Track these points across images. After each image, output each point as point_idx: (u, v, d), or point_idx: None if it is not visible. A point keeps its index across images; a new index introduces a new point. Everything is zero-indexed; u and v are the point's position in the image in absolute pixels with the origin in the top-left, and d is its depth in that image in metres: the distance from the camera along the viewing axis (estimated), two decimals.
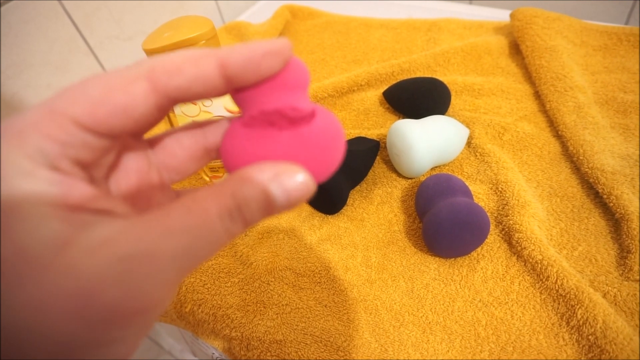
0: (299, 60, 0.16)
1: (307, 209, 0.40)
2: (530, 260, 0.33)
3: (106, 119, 0.13)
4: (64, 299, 0.11)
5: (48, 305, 0.11)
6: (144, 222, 0.13)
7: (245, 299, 0.35)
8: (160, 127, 0.45)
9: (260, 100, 0.15)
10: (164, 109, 0.15)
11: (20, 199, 0.12)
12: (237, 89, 0.15)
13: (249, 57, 0.14)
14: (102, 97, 0.13)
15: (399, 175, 0.42)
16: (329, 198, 0.38)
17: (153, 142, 0.18)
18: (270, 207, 0.14)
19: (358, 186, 0.42)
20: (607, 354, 0.27)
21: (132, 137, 0.17)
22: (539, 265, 0.32)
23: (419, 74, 0.52)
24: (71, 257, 0.12)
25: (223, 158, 0.16)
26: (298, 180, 0.15)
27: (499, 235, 0.36)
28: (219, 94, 0.15)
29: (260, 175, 0.14)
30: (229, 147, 0.16)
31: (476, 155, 0.43)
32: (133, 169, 0.17)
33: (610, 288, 0.31)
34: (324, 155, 0.16)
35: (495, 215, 0.37)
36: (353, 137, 0.43)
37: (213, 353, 0.43)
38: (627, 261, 0.32)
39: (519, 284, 0.33)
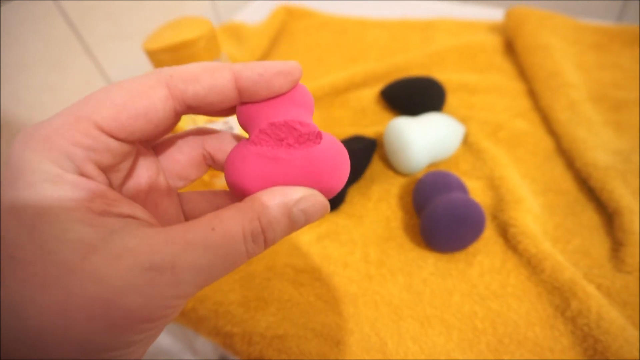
0: (304, 87, 0.17)
1: None
2: (526, 254, 0.33)
3: (128, 124, 0.14)
4: (88, 303, 0.12)
5: (71, 309, 0.12)
6: (168, 233, 0.14)
7: (247, 296, 0.35)
8: None
9: (269, 114, 0.16)
10: (180, 115, 0.15)
11: (48, 204, 0.13)
12: (246, 105, 0.16)
13: (261, 73, 0.15)
14: (125, 103, 0.14)
15: (396, 172, 0.43)
16: None
17: (157, 149, 0.19)
18: (291, 229, 0.15)
19: (356, 184, 0.42)
20: (601, 343, 0.28)
21: (145, 143, 0.18)
22: (534, 259, 0.33)
23: (414, 73, 0.53)
24: (96, 263, 0.12)
25: (230, 175, 0.16)
26: (317, 204, 0.16)
27: (494, 230, 0.36)
28: (232, 104, 0.16)
29: (284, 199, 0.15)
30: (237, 166, 0.16)
31: (472, 152, 0.43)
32: (144, 176, 0.17)
33: (603, 280, 0.32)
34: (333, 174, 0.17)
35: (491, 210, 0.38)
36: (350, 135, 0.44)
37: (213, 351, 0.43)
38: (619, 254, 0.33)
39: (515, 277, 0.33)
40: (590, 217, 0.37)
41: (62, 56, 0.52)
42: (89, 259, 0.12)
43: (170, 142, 0.19)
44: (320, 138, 0.16)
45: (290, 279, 0.36)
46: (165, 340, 0.51)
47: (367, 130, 0.47)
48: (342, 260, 0.36)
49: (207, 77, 0.15)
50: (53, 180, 0.13)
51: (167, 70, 0.15)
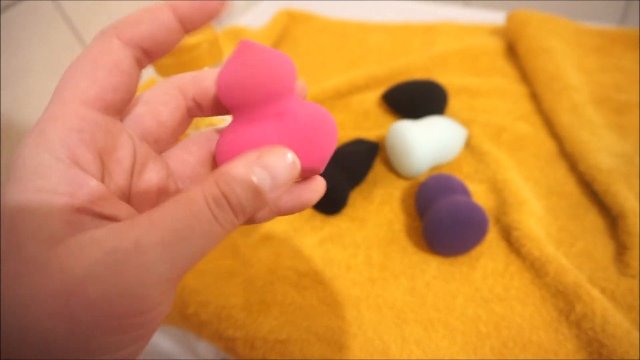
0: (281, 60, 0.16)
1: (309, 210, 0.41)
2: (529, 257, 0.33)
3: (108, 81, 0.14)
4: (50, 297, 0.11)
5: (35, 304, 0.11)
6: (133, 220, 0.13)
7: (249, 299, 0.35)
8: None
9: (249, 104, 0.16)
10: (140, 62, 0.16)
11: (29, 199, 0.12)
12: (223, 94, 0.16)
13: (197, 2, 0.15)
14: (94, 66, 0.14)
15: (399, 175, 0.43)
16: (330, 199, 0.39)
17: (167, 156, 0.19)
18: (256, 191, 0.14)
19: (358, 187, 0.42)
20: (606, 347, 0.28)
21: (153, 145, 0.18)
22: (538, 262, 0.33)
23: (416, 76, 0.53)
24: (61, 255, 0.12)
25: (217, 157, 0.17)
26: (281, 158, 0.14)
27: (498, 233, 0.36)
28: (179, 37, 0.16)
29: (243, 160, 0.14)
30: (219, 145, 0.17)
31: (474, 155, 0.43)
32: (154, 180, 0.17)
33: (608, 284, 0.32)
34: (314, 138, 0.16)
35: (494, 213, 0.38)
36: (352, 138, 0.44)
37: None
38: (624, 257, 0.33)
39: (519, 281, 0.33)
40: (593, 219, 0.36)
41: (64, 62, 0.52)
42: (54, 252, 0.12)
43: (178, 146, 0.19)
44: (300, 106, 0.16)
45: (292, 283, 0.36)
46: (165, 343, 0.51)
47: (369, 134, 0.47)
48: (344, 263, 0.36)
49: (148, 16, 0.15)
50: (40, 172, 0.13)
51: (110, 25, 0.15)
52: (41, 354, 0.11)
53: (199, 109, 0.18)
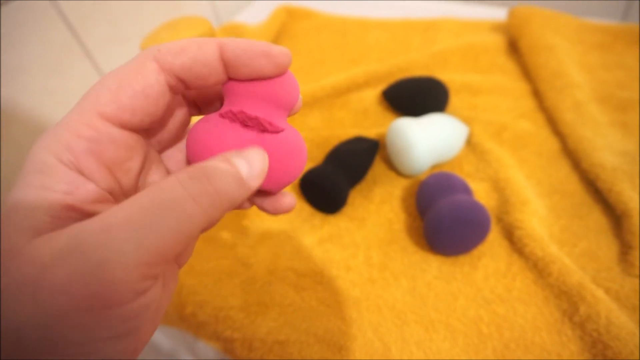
0: (293, 79, 0.17)
1: (308, 209, 0.40)
2: (532, 257, 0.33)
3: (128, 102, 0.14)
4: (21, 286, 0.11)
5: (8, 293, 0.11)
6: (108, 210, 0.13)
7: (247, 300, 0.34)
8: None
9: (247, 103, 0.16)
10: (175, 90, 0.15)
11: (25, 193, 0.13)
12: (231, 82, 0.16)
13: (245, 49, 0.15)
14: (121, 84, 0.14)
15: (399, 174, 0.42)
16: (329, 198, 0.38)
17: (162, 156, 0.19)
18: (234, 168, 0.14)
19: (358, 185, 0.41)
20: (611, 349, 0.27)
21: (150, 143, 0.18)
22: (541, 262, 0.32)
23: (417, 73, 0.52)
24: (36, 244, 0.12)
25: (189, 137, 0.17)
26: (257, 151, 0.15)
27: (500, 233, 0.36)
28: (220, 78, 0.16)
29: (221, 156, 0.15)
30: (196, 127, 0.17)
31: (476, 154, 0.43)
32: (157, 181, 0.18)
33: (612, 284, 0.31)
34: (284, 163, 0.17)
35: (496, 212, 0.37)
36: (352, 136, 0.43)
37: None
38: (628, 257, 0.32)
39: (521, 281, 0.33)
40: (597, 219, 0.36)
41: (62, 59, 0.51)
42: (31, 243, 0.12)
43: (174, 146, 0.19)
44: (283, 130, 0.17)
45: (291, 283, 0.35)
46: (164, 342, 0.50)
47: (369, 132, 0.46)
48: (344, 263, 0.36)
49: (194, 48, 0.15)
50: (43, 170, 0.13)
51: (155, 47, 0.15)
52: (14, 345, 0.11)
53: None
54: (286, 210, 0.19)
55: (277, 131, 0.17)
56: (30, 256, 0.12)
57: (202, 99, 0.19)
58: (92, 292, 0.11)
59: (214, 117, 0.17)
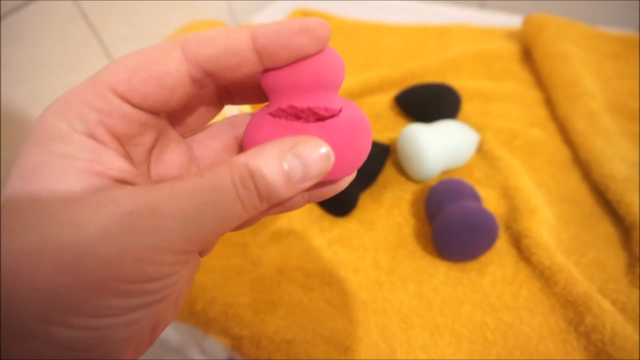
0: (335, 52, 0.15)
1: (318, 210, 0.41)
2: (539, 265, 0.33)
3: (140, 87, 0.13)
4: (59, 250, 0.11)
5: (43, 255, 0.11)
6: (154, 185, 0.13)
7: (256, 298, 0.35)
8: None
9: (294, 94, 0.15)
10: (199, 82, 0.14)
11: (50, 159, 0.13)
12: (270, 74, 0.15)
13: (279, 31, 0.14)
14: (138, 66, 0.13)
15: (409, 179, 0.42)
16: (339, 200, 0.39)
17: (191, 140, 0.18)
18: (286, 178, 0.14)
19: (368, 189, 0.42)
20: None
21: (179, 130, 0.17)
22: (548, 271, 0.32)
23: (429, 79, 0.53)
24: (76, 210, 0.12)
25: (244, 141, 0.16)
26: (316, 149, 0.14)
27: (508, 241, 0.36)
28: (252, 69, 0.14)
29: (277, 145, 0.14)
30: (252, 132, 0.16)
31: (486, 161, 0.43)
32: (176, 162, 0.17)
33: (619, 295, 0.31)
34: (351, 146, 0.15)
35: (505, 220, 0.37)
36: None
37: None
38: (636, 269, 0.32)
39: (528, 289, 0.33)
40: (606, 230, 0.36)
41: (81, 57, 0.52)
42: (71, 207, 0.12)
43: (203, 131, 0.18)
44: (341, 110, 0.15)
45: (300, 283, 0.36)
46: (173, 337, 0.51)
47: (381, 136, 0.47)
48: (352, 265, 0.36)
49: (222, 38, 0.14)
50: (61, 139, 0.13)
51: (184, 35, 0.14)
52: (42, 307, 0.11)
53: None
54: (341, 188, 0.17)
55: (334, 114, 0.15)
56: (71, 222, 0.12)
57: (236, 88, 0.18)
58: (135, 270, 0.12)
59: (265, 117, 0.16)
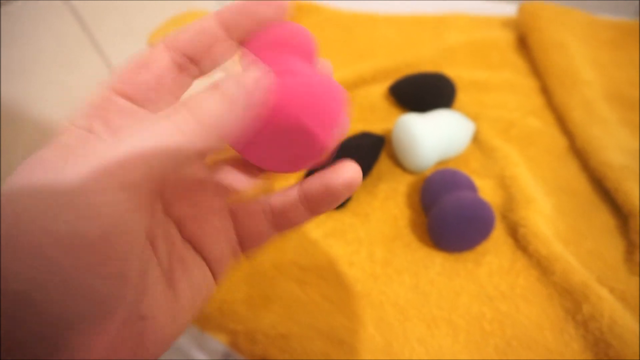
0: (300, 25, 0.17)
1: None
2: (536, 255, 0.33)
3: (127, 77, 0.16)
4: (47, 197, 0.12)
5: (39, 204, 0.12)
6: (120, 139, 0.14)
7: (251, 294, 0.35)
8: None
9: (264, 58, 0.16)
10: (185, 68, 0.16)
11: (47, 149, 0.14)
12: (245, 44, 0.17)
13: (241, 4, 0.16)
14: (128, 63, 0.16)
15: (404, 170, 0.42)
16: None
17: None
18: (219, 93, 0.14)
19: (363, 181, 0.42)
20: (613, 349, 0.27)
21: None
22: (545, 261, 0.32)
23: (425, 69, 0.52)
24: (71, 162, 0.13)
25: None
26: (251, 71, 0.15)
27: (504, 230, 0.36)
28: (224, 45, 0.16)
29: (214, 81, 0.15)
30: None
31: (482, 150, 0.42)
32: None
33: (617, 284, 0.31)
34: (324, 101, 0.16)
35: (501, 210, 0.37)
36: (358, 132, 0.43)
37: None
38: (634, 257, 0.32)
39: (525, 279, 0.32)
40: (603, 218, 0.36)
41: (72, 53, 0.52)
42: (67, 160, 0.13)
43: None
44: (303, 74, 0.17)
45: (295, 278, 0.35)
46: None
47: (375, 127, 0.46)
48: (347, 259, 0.36)
49: (194, 24, 0.16)
50: (63, 133, 0.15)
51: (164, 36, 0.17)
52: (36, 263, 0.11)
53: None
54: (351, 179, 0.17)
55: (297, 75, 0.16)
56: (68, 175, 0.12)
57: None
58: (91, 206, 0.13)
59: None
